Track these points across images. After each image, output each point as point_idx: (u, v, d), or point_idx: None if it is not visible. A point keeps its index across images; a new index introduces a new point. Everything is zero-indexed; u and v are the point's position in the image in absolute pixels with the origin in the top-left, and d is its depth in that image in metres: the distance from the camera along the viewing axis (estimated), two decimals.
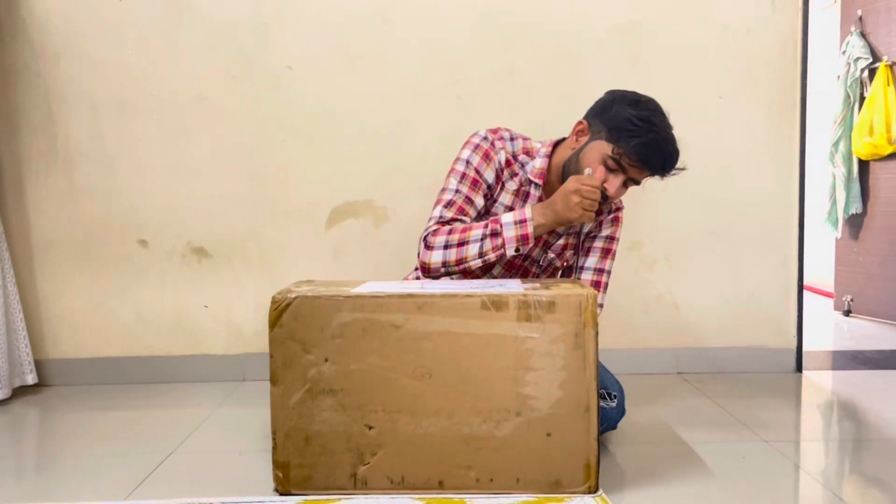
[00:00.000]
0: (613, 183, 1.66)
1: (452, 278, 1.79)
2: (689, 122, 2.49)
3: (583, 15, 2.45)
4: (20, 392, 2.35)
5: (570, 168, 1.72)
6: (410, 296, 1.42)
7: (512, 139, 1.80)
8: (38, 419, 2.16)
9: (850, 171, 3.72)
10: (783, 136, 2.52)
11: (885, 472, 1.64)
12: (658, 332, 2.56)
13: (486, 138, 1.77)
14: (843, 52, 3.75)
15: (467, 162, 1.75)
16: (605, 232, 1.86)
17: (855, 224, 3.78)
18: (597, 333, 1.41)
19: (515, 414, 1.42)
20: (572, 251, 1.87)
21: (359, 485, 1.44)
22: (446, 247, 1.66)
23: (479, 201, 1.74)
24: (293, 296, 1.43)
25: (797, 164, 2.53)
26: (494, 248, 1.64)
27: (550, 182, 1.79)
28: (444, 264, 1.66)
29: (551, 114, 2.36)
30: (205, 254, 2.49)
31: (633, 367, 2.51)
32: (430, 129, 2.45)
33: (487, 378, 1.41)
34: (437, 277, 1.72)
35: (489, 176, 1.76)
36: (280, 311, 1.42)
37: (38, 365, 2.44)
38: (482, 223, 1.67)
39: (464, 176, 1.75)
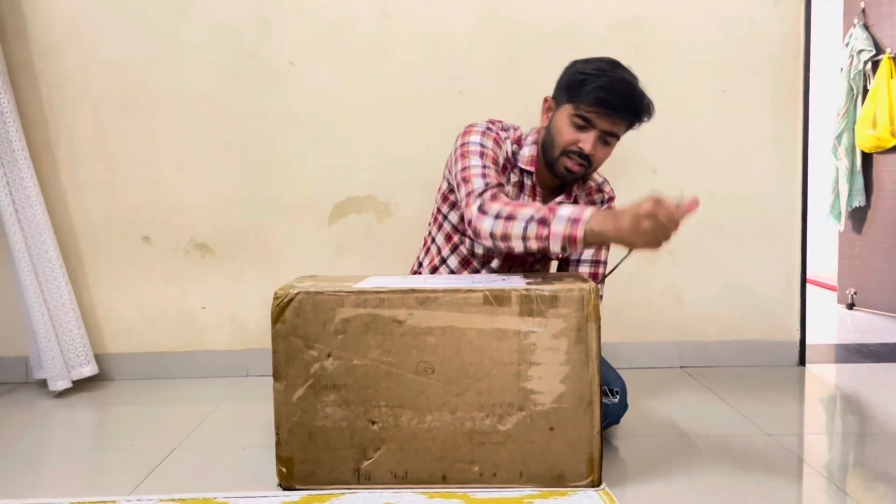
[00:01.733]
0: (587, 140, 1.66)
1: (465, 242, 1.80)
2: (692, 116, 2.50)
3: (585, 9, 2.45)
4: (19, 387, 2.35)
5: (547, 142, 1.73)
6: (413, 291, 1.42)
7: (505, 129, 1.81)
8: (39, 415, 2.16)
9: (853, 164, 3.71)
10: (786, 129, 2.51)
11: (890, 465, 1.64)
12: (661, 326, 2.56)
13: (489, 128, 1.76)
14: (846, 45, 3.74)
15: (481, 144, 1.71)
16: None
17: (858, 217, 3.78)
18: (599, 328, 1.41)
19: (518, 408, 1.42)
20: None
21: (362, 479, 1.44)
22: (497, 216, 1.55)
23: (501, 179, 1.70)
24: (295, 291, 1.43)
25: (800, 158, 2.52)
26: (538, 238, 1.50)
27: (539, 170, 1.80)
28: (492, 235, 1.56)
29: None
30: (208, 250, 2.49)
31: (636, 361, 2.51)
32: (432, 123, 2.44)
33: (490, 373, 1.42)
34: (485, 251, 1.73)
35: (500, 160, 1.74)
36: (283, 307, 1.43)
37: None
38: (536, 204, 1.56)
39: (483, 155, 1.69)
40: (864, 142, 3.61)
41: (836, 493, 1.50)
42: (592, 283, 1.44)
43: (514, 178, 1.78)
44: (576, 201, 1.85)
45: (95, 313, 2.48)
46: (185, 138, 2.45)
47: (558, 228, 1.47)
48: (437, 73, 2.45)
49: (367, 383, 1.42)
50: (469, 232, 1.63)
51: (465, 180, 1.66)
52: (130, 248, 2.47)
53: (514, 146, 1.79)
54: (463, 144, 1.72)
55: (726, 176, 2.52)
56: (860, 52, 3.64)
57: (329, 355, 1.42)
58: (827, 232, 4.10)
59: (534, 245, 1.51)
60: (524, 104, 2.44)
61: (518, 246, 1.53)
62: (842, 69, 3.78)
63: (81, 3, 2.40)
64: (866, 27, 3.66)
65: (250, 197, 2.47)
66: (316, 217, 2.49)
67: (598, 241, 1.49)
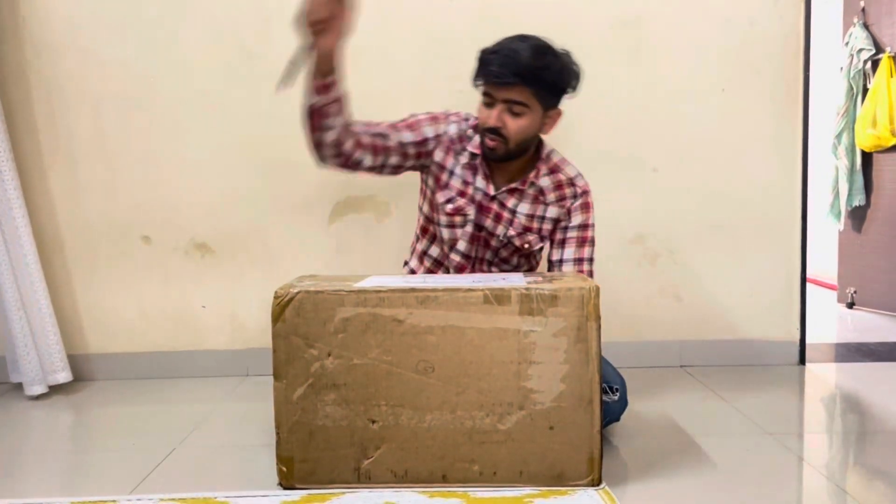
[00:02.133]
0: (492, 115, 1.73)
1: (456, 245, 1.85)
2: (692, 115, 2.50)
3: (584, 9, 2.44)
4: (17, 388, 2.35)
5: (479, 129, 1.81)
6: (413, 290, 1.43)
7: (466, 119, 1.87)
8: (41, 415, 2.16)
9: (853, 163, 3.71)
10: (786, 128, 2.51)
11: (890, 463, 1.65)
12: (661, 324, 2.55)
13: (444, 113, 1.87)
14: (846, 44, 3.74)
15: (413, 114, 1.86)
16: (577, 221, 1.85)
17: (858, 216, 3.77)
18: (599, 327, 1.41)
19: (518, 407, 1.42)
20: (537, 237, 1.86)
21: (362, 478, 1.44)
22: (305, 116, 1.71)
23: (394, 143, 1.79)
24: (295, 291, 1.43)
25: (800, 156, 2.52)
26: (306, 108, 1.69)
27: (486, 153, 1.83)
28: (304, 125, 1.71)
29: None
30: (208, 249, 2.49)
31: (636, 360, 2.51)
32: None
33: (490, 372, 1.42)
34: (321, 151, 1.74)
35: (427, 132, 1.83)
36: (283, 307, 1.43)
37: None
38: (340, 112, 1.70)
39: (403, 120, 1.84)
40: (864, 141, 3.61)
41: (836, 491, 1.50)
42: (593, 283, 1.44)
43: (464, 159, 1.84)
44: (541, 195, 1.84)
45: (94, 313, 2.48)
46: (185, 138, 2.45)
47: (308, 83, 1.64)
48: (435, 73, 2.44)
49: (368, 382, 1.42)
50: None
51: None
52: (130, 248, 2.47)
53: (471, 131, 1.85)
54: (409, 116, 1.88)
55: (726, 175, 2.52)
56: (860, 50, 3.64)
57: (329, 354, 1.42)
58: (827, 231, 4.10)
59: (311, 101, 1.66)
60: None
61: (310, 101, 1.67)
62: (842, 68, 3.77)
63: (80, 3, 2.39)
64: (866, 26, 3.66)
65: (250, 196, 2.47)
66: (316, 216, 2.49)
67: (324, 72, 1.64)
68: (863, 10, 3.68)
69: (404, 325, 1.42)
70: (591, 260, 1.86)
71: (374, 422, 1.43)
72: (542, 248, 1.92)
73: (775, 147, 2.52)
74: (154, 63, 2.43)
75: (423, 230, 1.95)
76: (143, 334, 2.49)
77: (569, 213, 1.85)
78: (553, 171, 1.85)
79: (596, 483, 1.43)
